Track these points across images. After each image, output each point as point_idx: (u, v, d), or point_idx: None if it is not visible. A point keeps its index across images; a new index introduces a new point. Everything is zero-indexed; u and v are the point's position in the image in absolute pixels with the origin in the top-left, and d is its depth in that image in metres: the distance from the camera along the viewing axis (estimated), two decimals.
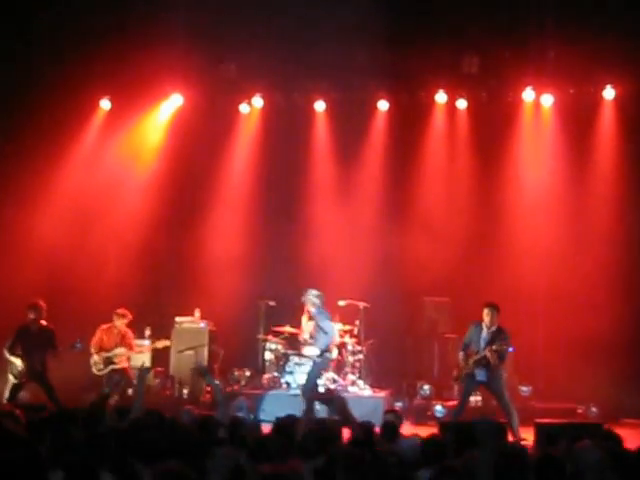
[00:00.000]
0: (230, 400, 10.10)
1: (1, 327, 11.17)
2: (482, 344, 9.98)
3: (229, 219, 13.86)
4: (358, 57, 12.91)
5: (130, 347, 11.50)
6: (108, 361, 11.37)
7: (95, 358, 11.38)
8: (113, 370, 11.34)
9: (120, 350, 11.38)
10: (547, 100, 13.13)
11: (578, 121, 12.88)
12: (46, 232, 13.02)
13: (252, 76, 13.55)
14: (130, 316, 11.51)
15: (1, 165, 13.06)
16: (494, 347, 9.81)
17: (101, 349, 11.37)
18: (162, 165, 13.86)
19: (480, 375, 10.01)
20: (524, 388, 11.79)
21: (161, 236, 13.61)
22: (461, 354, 10.22)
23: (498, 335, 9.95)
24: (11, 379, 10.62)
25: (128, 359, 11.54)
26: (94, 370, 11.42)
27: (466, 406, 10.26)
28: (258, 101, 13.94)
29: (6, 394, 10.54)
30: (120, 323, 11.43)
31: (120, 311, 11.46)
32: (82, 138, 13.72)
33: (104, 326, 11.49)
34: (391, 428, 6.42)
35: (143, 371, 7.28)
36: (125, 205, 13.56)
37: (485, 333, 10.05)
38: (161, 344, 11.99)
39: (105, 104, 13.87)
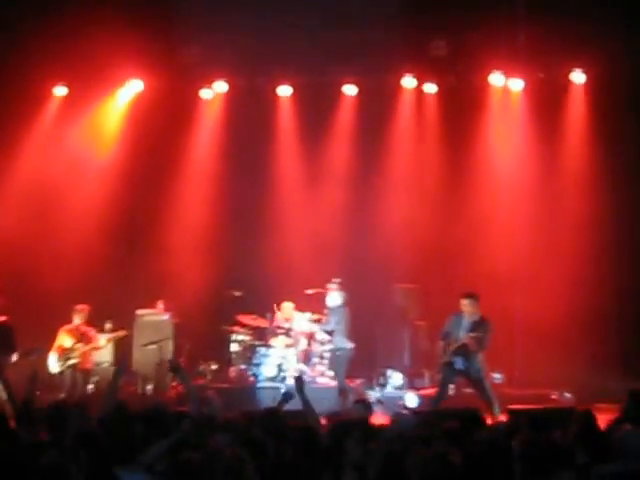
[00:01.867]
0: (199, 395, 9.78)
1: None
2: (462, 333, 9.79)
3: (192, 207, 13.50)
4: (323, 40, 12.62)
5: (89, 341, 11.08)
6: (66, 358, 10.94)
7: (53, 356, 10.95)
8: (71, 367, 10.92)
9: (78, 346, 10.97)
10: (516, 84, 12.97)
11: (548, 105, 12.76)
12: (2, 222, 12.56)
13: (214, 60, 13.16)
14: (87, 310, 11.10)
15: None
16: (474, 334, 9.62)
17: (61, 348, 10.96)
18: (122, 152, 13.43)
19: (458, 363, 9.86)
20: (497, 375, 11.65)
21: (122, 225, 13.18)
22: (440, 343, 10.04)
23: (480, 324, 9.78)
24: None
25: (89, 356, 11.14)
26: (51, 369, 10.96)
27: (445, 395, 10.04)
28: (221, 86, 13.55)
29: None
30: (79, 319, 11.04)
31: (78, 307, 11.07)
32: (37, 125, 13.28)
33: (65, 327, 11.08)
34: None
35: (119, 369, 6.91)
36: (84, 193, 13.14)
37: (466, 322, 9.89)
38: (120, 334, 11.63)
39: (61, 90, 13.41)
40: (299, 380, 6.57)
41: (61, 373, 11.00)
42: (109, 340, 11.71)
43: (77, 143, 13.32)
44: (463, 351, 9.79)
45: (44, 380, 10.88)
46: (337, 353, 10.90)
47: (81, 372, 11.05)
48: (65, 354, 10.97)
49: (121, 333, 11.70)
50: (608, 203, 12.32)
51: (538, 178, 12.76)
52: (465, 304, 9.88)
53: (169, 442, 5.09)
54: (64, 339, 11.05)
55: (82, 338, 11.04)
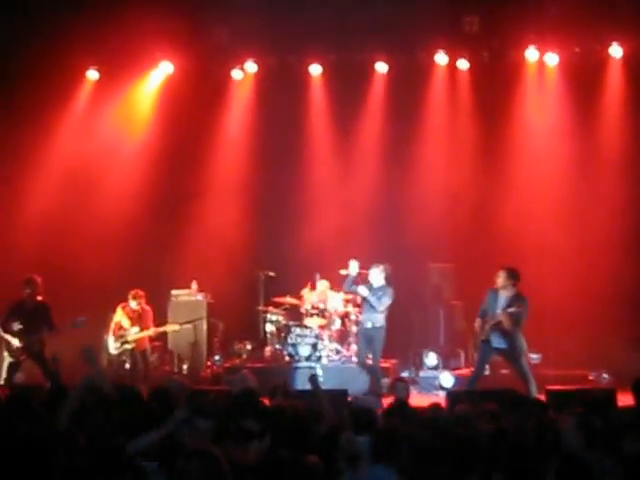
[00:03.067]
0: (233, 374, 9.86)
1: None
2: (498, 309, 9.65)
3: (225, 188, 13.46)
4: (354, 17, 12.48)
5: (145, 327, 11.18)
6: (122, 342, 11.10)
7: (111, 338, 11.13)
8: (127, 350, 11.09)
9: (135, 330, 11.10)
10: (551, 59, 12.73)
11: (584, 81, 12.53)
12: (37, 204, 12.73)
13: (245, 40, 13.09)
14: (144, 296, 11.19)
15: None
16: (509, 310, 9.49)
17: (118, 326, 11.13)
18: (154, 134, 13.44)
19: (497, 342, 9.70)
20: (534, 355, 11.48)
21: (156, 206, 13.19)
22: (478, 321, 9.89)
23: (516, 300, 9.61)
24: (7, 357, 10.30)
25: (144, 340, 11.25)
26: (110, 350, 11.13)
27: (481, 375, 9.95)
28: (251, 66, 13.48)
29: (3, 374, 10.25)
30: (135, 304, 11.14)
31: (136, 292, 11.16)
32: (71, 109, 13.31)
33: (123, 305, 11.22)
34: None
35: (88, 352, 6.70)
36: (118, 175, 13.14)
37: (502, 298, 9.71)
38: (170, 328, 11.68)
39: (93, 74, 13.42)
40: (313, 380, 6.56)
41: (119, 355, 11.16)
42: (160, 332, 11.60)
43: (110, 127, 13.33)
44: (500, 328, 9.63)
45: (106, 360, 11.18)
46: (372, 332, 10.80)
47: (138, 352, 11.17)
48: (121, 337, 11.12)
49: (175, 327, 11.69)
50: None
51: (574, 156, 12.54)
52: (499, 276, 9.70)
53: (160, 432, 4.95)
54: (122, 319, 11.17)
55: (139, 321, 11.14)
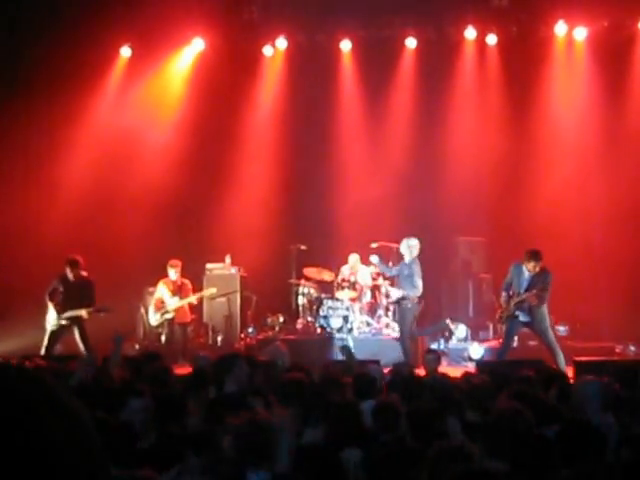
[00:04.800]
0: (266, 345, 10.09)
1: (27, 282, 11.14)
2: (524, 285, 9.81)
3: (256, 163, 13.67)
4: None
5: (185, 295, 11.53)
6: (163, 312, 11.47)
7: (152, 309, 11.54)
8: (168, 320, 11.43)
9: (175, 300, 11.43)
10: (580, 33, 12.76)
11: (613, 55, 12.55)
12: (72, 180, 12.94)
13: (275, 17, 13.24)
14: (180, 265, 11.55)
15: (22, 117, 12.90)
16: (534, 291, 9.65)
17: (159, 301, 11.50)
18: (187, 110, 13.65)
19: (523, 316, 9.87)
20: (561, 328, 11.67)
21: (188, 183, 13.40)
22: (504, 294, 10.04)
23: (540, 277, 9.74)
24: (48, 327, 10.51)
25: (185, 311, 11.59)
26: (151, 322, 11.55)
27: (510, 347, 10.16)
28: (282, 43, 13.63)
29: (45, 341, 10.45)
30: (174, 274, 11.49)
31: (173, 262, 11.52)
32: (105, 85, 13.54)
33: (164, 279, 11.56)
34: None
35: (118, 338, 7.04)
36: (151, 152, 13.34)
37: (527, 274, 9.85)
38: (208, 292, 12.00)
39: (126, 51, 13.63)
40: (346, 350, 6.77)
41: (159, 326, 11.55)
42: (199, 298, 11.99)
43: (144, 103, 13.53)
44: (525, 305, 9.81)
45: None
46: (404, 304, 10.97)
47: (179, 325, 11.52)
48: (162, 308, 11.49)
49: (212, 290, 12.02)
50: None
51: (602, 130, 12.59)
52: (527, 260, 9.84)
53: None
54: (163, 292, 11.54)
55: (179, 291, 11.50)
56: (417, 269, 10.75)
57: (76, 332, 10.47)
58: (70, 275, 10.48)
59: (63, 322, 10.43)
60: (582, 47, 12.87)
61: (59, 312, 10.41)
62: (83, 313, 10.34)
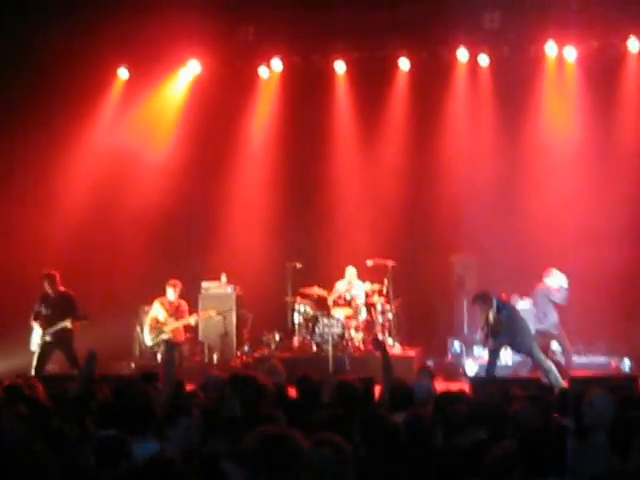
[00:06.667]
0: (262, 363, 10.11)
1: (23, 299, 11.21)
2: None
3: (252, 183, 13.81)
4: (377, 15, 12.75)
5: (181, 316, 11.53)
6: (158, 332, 11.48)
7: (147, 329, 11.54)
8: (164, 341, 11.45)
9: (170, 320, 11.45)
10: (570, 53, 12.91)
11: (603, 76, 12.68)
12: (70, 200, 13.05)
13: (270, 38, 13.38)
14: (180, 285, 11.56)
15: (20, 136, 13.02)
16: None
17: (155, 321, 11.48)
18: (183, 131, 13.79)
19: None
20: (556, 348, 11.56)
21: (184, 202, 13.57)
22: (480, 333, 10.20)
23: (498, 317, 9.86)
24: (33, 348, 10.55)
25: (180, 331, 11.60)
26: (146, 342, 11.57)
27: (496, 364, 10.20)
28: (277, 64, 13.79)
29: (34, 362, 10.48)
30: (173, 294, 11.48)
31: (172, 282, 11.52)
32: (102, 107, 13.64)
33: (160, 299, 11.56)
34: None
35: (91, 355, 7.06)
36: (147, 172, 13.48)
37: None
38: (210, 314, 12.06)
39: (123, 73, 13.77)
40: (378, 343, 6.81)
41: (154, 347, 11.56)
42: (198, 320, 11.99)
43: (140, 125, 13.65)
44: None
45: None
46: None
47: (173, 346, 11.49)
48: (158, 328, 11.50)
49: (211, 313, 12.09)
50: None
51: (593, 150, 12.71)
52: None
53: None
54: (158, 312, 11.53)
55: (175, 312, 11.48)
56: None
57: (63, 351, 10.54)
58: (50, 290, 10.55)
59: (48, 338, 10.48)
60: (573, 67, 13.00)
61: (45, 329, 10.45)
62: (67, 324, 10.40)
